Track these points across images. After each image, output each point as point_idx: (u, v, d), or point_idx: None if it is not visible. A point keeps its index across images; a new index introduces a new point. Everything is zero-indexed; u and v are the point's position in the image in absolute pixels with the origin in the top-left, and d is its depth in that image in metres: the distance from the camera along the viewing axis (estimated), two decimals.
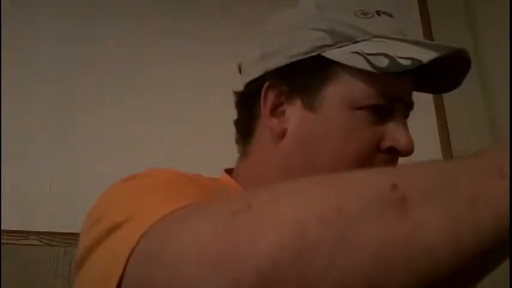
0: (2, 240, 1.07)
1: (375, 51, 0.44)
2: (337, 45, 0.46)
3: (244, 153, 0.53)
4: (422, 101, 1.26)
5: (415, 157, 1.47)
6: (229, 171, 0.55)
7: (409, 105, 0.49)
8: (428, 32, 1.34)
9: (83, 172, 1.18)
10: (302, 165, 0.47)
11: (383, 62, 0.43)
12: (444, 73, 0.48)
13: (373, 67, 0.43)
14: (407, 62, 0.41)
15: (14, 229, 1.09)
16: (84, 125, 1.24)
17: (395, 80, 0.45)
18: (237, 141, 0.55)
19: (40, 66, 1.29)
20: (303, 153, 0.47)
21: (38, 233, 1.09)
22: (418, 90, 0.51)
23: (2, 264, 1.03)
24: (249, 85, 0.52)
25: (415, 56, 0.42)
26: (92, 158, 1.20)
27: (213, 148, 1.16)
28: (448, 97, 1.24)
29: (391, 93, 0.45)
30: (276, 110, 0.49)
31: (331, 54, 0.46)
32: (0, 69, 1.25)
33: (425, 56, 0.41)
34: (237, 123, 0.55)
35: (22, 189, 1.15)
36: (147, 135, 1.24)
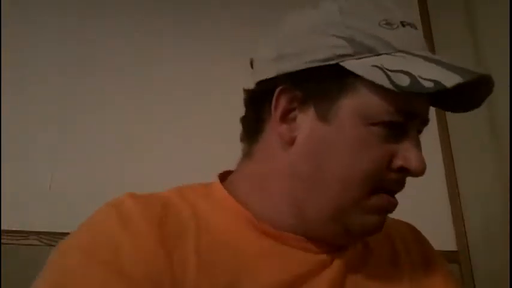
0: (2, 240, 1.07)
1: (397, 68, 0.42)
2: (358, 56, 0.44)
3: (248, 153, 0.52)
4: None
5: None
6: (227, 174, 0.54)
7: (424, 122, 0.48)
8: (428, 32, 1.34)
9: (83, 172, 1.18)
10: (311, 174, 0.46)
11: (404, 81, 0.41)
12: (465, 95, 0.47)
13: (393, 85, 0.41)
14: (430, 85, 0.40)
15: (14, 229, 1.09)
16: (84, 125, 1.24)
17: (414, 99, 0.44)
18: (241, 139, 0.53)
19: (40, 66, 1.29)
20: (313, 163, 0.46)
21: (38, 233, 1.09)
22: (435, 106, 0.50)
23: (2, 264, 1.03)
24: (260, 84, 0.51)
25: (438, 79, 0.40)
26: (92, 158, 1.20)
27: (213, 148, 1.16)
28: None
29: (407, 111, 0.44)
30: (287, 116, 0.47)
31: (351, 65, 0.44)
32: (0, 69, 1.25)
33: (449, 80, 0.40)
34: (244, 120, 0.53)
35: (22, 189, 1.15)
36: (147, 135, 1.24)
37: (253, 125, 0.51)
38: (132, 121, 1.25)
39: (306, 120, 0.46)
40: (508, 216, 0.91)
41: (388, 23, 0.45)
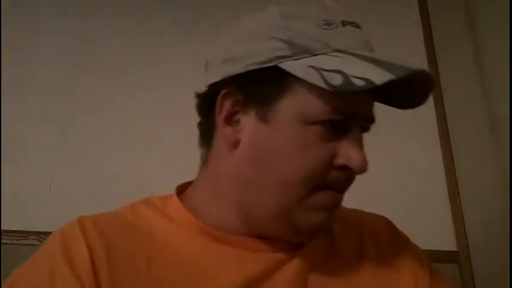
0: (2, 240, 1.07)
1: (331, 68, 0.42)
2: (295, 57, 0.44)
3: (204, 161, 0.53)
4: None
5: (416, 157, 1.47)
6: (187, 185, 0.55)
7: (369, 119, 0.47)
8: (428, 32, 1.34)
9: (83, 172, 1.18)
10: (254, 176, 0.46)
11: (337, 80, 0.41)
12: (409, 91, 0.47)
13: (327, 84, 0.41)
14: (361, 83, 0.40)
15: (14, 229, 1.09)
16: (84, 125, 1.24)
17: (352, 97, 0.43)
18: (200, 146, 0.54)
19: (40, 66, 1.29)
20: (256, 165, 0.46)
21: (38, 233, 1.09)
22: (380, 102, 0.50)
23: (2, 264, 1.03)
24: (210, 87, 0.51)
25: (368, 77, 0.40)
26: (92, 158, 1.20)
27: None
28: (448, 97, 1.24)
29: (346, 109, 0.44)
30: (231, 119, 0.48)
31: (288, 66, 0.44)
32: (0, 69, 1.25)
33: (380, 77, 0.40)
34: (199, 126, 0.54)
35: (22, 189, 1.15)
36: (147, 135, 1.24)
37: (206, 130, 0.52)
38: (132, 121, 1.25)
39: (248, 122, 0.47)
40: (508, 216, 0.91)
41: (327, 23, 0.45)
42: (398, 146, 1.21)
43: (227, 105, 0.47)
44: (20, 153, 1.19)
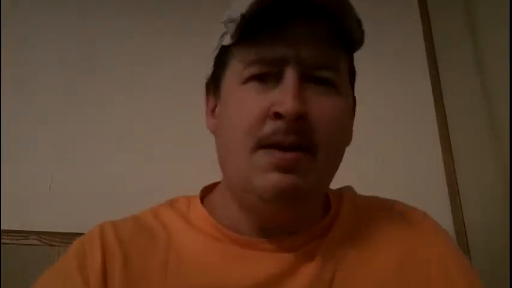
0: (2, 240, 1.07)
1: (229, 20, 0.44)
2: (227, 32, 0.46)
3: None
4: (423, 101, 1.27)
5: (416, 157, 1.47)
6: (214, 186, 0.56)
7: (303, 63, 0.44)
8: (428, 32, 1.34)
9: (83, 172, 1.18)
10: (223, 156, 0.48)
11: (231, 29, 0.44)
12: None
13: (232, 38, 0.44)
14: (237, 16, 0.42)
15: (14, 229, 1.09)
16: (85, 125, 1.24)
17: (268, 42, 0.43)
18: None
19: (40, 66, 1.29)
20: (221, 145, 0.48)
21: (38, 233, 1.09)
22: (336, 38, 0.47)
23: (2, 264, 1.03)
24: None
25: (240, 11, 0.42)
26: (92, 158, 1.20)
27: (213, 148, 1.16)
28: (448, 97, 1.24)
29: (266, 56, 0.44)
30: (214, 111, 0.50)
31: (223, 41, 0.47)
32: (0, 69, 1.25)
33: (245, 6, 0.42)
34: None
35: (22, 189, 1.15)
36: (147, 135, 1.24)
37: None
38: (132, 121, 1.25)
39: (219, 109, 0.49)
40: (508, 216, 0.91)
41: None
42: (398, 146, 1.21)
43: (210, 99, 0.51)
44: (20, 153, 1.19)
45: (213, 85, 0.50)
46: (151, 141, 1.23)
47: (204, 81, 0.55)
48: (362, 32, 0.46)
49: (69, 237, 1.06)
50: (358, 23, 0.46)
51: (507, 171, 0.93)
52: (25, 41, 1.31)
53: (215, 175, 0.54)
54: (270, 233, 0.48)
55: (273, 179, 0.43)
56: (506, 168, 0.93)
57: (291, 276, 0.45)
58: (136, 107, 1.27)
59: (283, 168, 0.42)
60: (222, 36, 0.47)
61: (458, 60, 1.19)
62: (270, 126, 0.43)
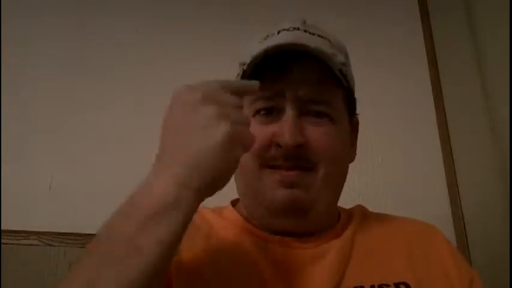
0: (2, 240, 1.07)
1: (241, 64, 0.56)
2: (239, 75, 0.56)
3: None
4: (423, 101, 1.26)
5: (416, 157, 1.46)
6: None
7: (308, 100, 0.53)
8: (428, 32, 1.34)
9: (83, 172, 1.18)
10: (237, 178, 0.57)
11: (240, 72, 0.55)
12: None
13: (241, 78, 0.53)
14: (246, 61, 0.52)
15: (14, 229, 1.09)
16: (84, 125, 1.24)
17: (271, 82, 0.52)
18: None
19: (40, 66, 1.29)
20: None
21: (38, 233, 1.09)
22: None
23: (2, 264, 1.03)
24: None
25: (251, 55, 0.52)
26: (92, 158, 1.20)
27: None
28: (448, 97, 1.24)
29: (269, 94, 0.53)
30: None
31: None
32: (0, 69, 1.25)
33: (259, 53, 0.52)
34: None
35: (22, 189, 1.15)
36: (147, 135, 1.23)
37: None
38: (132, 121, 1.25)
39: None
40: (507, 216, 0.91)
41: (266, 37, 0.56)
42: (398, 146, 1.21)
43: None
44: (20, 153, 1.19)
45: None
46: (152, 141, 1.22)
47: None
48: (344, 76, 0.54)
49: (69, 237, 1.06)
50: (341, 66, 0.54)
51: (507, 171, 0.93)
52: (25, 41, 1.31)
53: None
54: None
55: (279, 194, 0.52)
56: (506, 168, 0.93)
57: (312, 266, 0.51)
58: (136, 107, 1.27)
59: (287, 184, 0.52)
60: (238, 75, 0.58)
61: (458, 60, 1.19)
62: (273, 152, 0.53)
